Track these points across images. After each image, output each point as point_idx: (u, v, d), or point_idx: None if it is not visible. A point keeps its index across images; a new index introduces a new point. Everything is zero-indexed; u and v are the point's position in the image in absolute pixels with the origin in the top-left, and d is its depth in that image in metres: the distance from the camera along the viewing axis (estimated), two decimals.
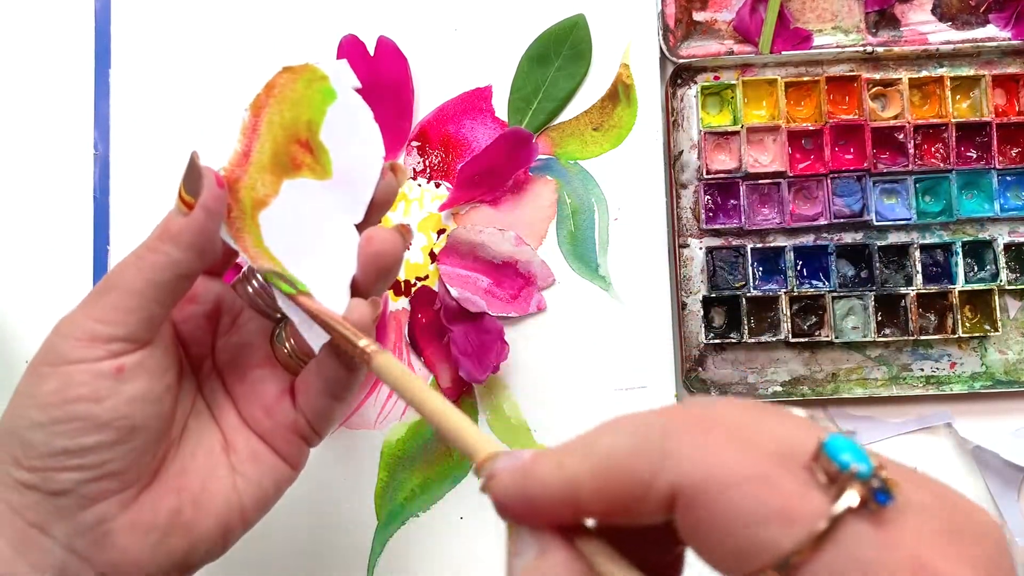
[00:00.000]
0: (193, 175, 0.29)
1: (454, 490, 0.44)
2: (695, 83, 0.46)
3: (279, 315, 0.33)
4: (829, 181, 0.45)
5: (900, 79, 0.46)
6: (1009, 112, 0.46)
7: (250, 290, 0.33)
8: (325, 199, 0.31)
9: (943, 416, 0.45)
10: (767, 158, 0.46)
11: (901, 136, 0.45)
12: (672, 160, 0.46)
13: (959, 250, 0.45)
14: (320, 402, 0.32)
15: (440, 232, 0.46)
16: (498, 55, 0.47)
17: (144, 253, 0.29)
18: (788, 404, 0.44)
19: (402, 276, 0.46)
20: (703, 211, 0.45)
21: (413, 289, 0.46)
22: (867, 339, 0.44)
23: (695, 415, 0.21)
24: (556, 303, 0.45)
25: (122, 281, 0.28)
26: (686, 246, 0.46)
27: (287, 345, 0.33)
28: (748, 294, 0.45)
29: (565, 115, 0.47)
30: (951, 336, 0.44)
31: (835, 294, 0.45)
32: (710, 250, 0.45)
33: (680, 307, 0.45)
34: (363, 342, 0.28)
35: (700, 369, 0.45)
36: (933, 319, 0.45)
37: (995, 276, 0.45)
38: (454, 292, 0.44)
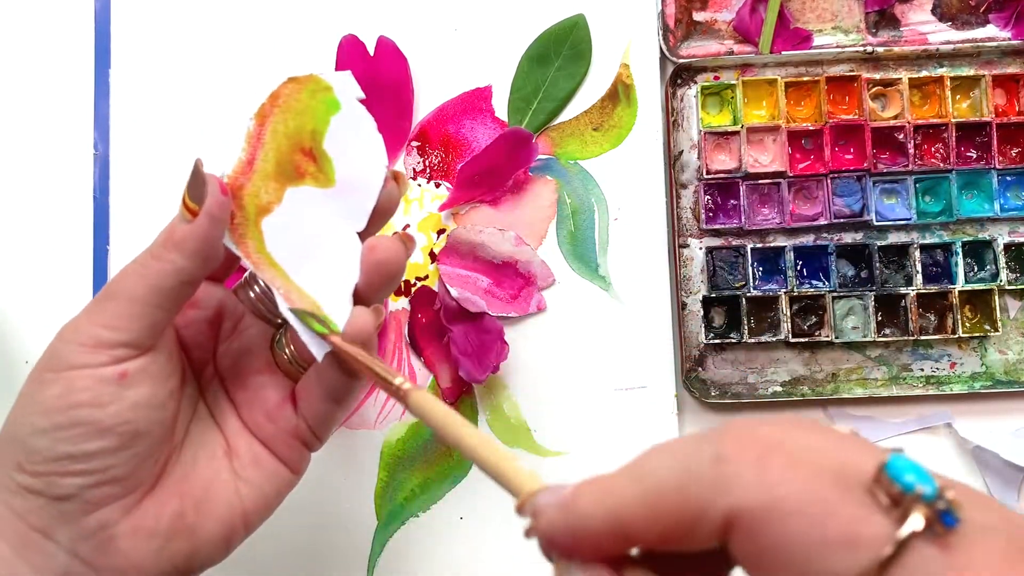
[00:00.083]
0: (197, 182, 0.29)
1: (454, 490, 0.44)
2: (695, 83, 0.46)
3: (280, 320, 0.34)
4: (829, 181, 0.45)
5: (900, 79, 0.46)
6: (1009, 112, 0.46)
7: (252, 295, 0.33)
8: (328, 207, 0.32)
9: (943, 416, 0.45)
10: (767, 158, 0.46)
11: (901, 136, 0.45)
12: (672, 160, 0.46)
13: (959, 250, 0.45)
14: (321, 407, 0.32)
15: (440, 232, 0.46)
16: (498, 55, 0.47)
17: (148, 260, 0.29)
18: (789, 405, 0.45)
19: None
20: (703, 211, 0.45)
21: (413, 289, 0.46)
22: (867, 339, 0.44)
23: (748, 438, 0.21)
24: (556, 303, 0.45)
25: (126, 287, 0.28)
26: (686, 246, 0.46)
27: (287, 351, 0.33)
28: (748, 294, 0.45)
29: (565, 115, 0.47)
30: (951, 336, 0.44)
31: (835, 294, 0.45)
32: (710, 250, 0.45)
33: (680, 307, 0.45)
34: (398, 380, 0.28)
35: (700, 369, 0.45)
36: (933, 319, 0.45)
37: (995, 276, 0.45)
38: (454, 292, 0.44)
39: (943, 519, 0.18)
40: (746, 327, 0.44)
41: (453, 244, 0.45)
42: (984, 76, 0.45)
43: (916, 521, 0.18)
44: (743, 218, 0.45)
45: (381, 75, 0.46)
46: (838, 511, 0.19)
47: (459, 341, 0.44)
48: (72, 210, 0.47)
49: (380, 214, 0.32)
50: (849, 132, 0.45)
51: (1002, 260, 0.45)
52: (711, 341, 0.45)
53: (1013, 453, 0.43)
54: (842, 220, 0.45)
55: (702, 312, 0.45)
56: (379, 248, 0.31)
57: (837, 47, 0.47)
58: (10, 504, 0.28)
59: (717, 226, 0.45)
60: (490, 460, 0.25)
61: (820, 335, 0.45)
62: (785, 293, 0.45)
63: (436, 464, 0.44)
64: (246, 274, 0.34)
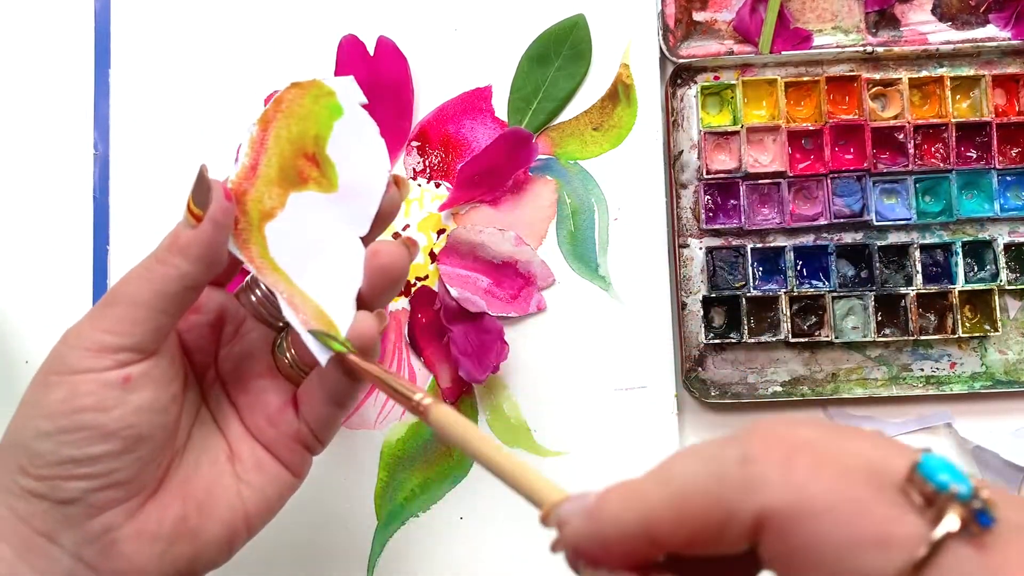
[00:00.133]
0: (202, 188, 0.29)
1: (454, 490, 0.44)
2: (695, 83, 0.46)
3: (281, 324, 0.34)
4: (829, 181, 0.45)
5: (900, 79, 0.46)
6: (1009, 112, 0.46)
7: (253, 299, 0.33)
8: (331, 212, 0.32)
9: (943, 416, 0.45)
10: (767, 158, 0.46)
11: (901, 136, 0.45)
12: (672, 160, 0.46)
13: (959, 250, 0.45)
14: (323, 410, 0.32)
15: (440, 232, 0.46)
16: (498, 55, 0.47)
17: (152, 265, 0.29)
18: (789, 405, 0.45)
19: None
20: (703, 211, 0.45)
21: (413, 289, 0.46)
22: (867, 339, 0.44)
23: (775, 438, 0.21)
24: (556, 303, 0.45)
25: (130, 292, 0.29)
26: (686, 246, 0.46)
27: (288, 355, 0.33)
28: (748, 294, 0.45)
29: (565, 115, 0.47)
30: (951, 336, 0.44)
31: (835, 294, 0.45)
32: (710, 250, 0.45)
33: (680, 307, 0.45)
34: (418, 396, 0.28)
35: (700, 369, 0.45)
36: (933, 319, 0.45)
37: (995, 276, 0.45)
38: (454, 292, 0.44)
39: (979, 519, 0.18)
40: (746, 327, 0.44)
41: (453, 244, 0.45)
42: (984, 76, 0.45)
43: (951, 522, 0.18)
44: (743, 218, 0.45)
45: (381, 75, 0.46)
46: (870, 510, 0.19)
47: (459, 341, 0.44)
48: (72, 210, 0.47)
49: (382, 219, 0.32)
50: (849, 132, 0.45)
51: (1002, 260, 0.45)
52: (711, 341, 0.45)
53: (1013, 453, 0.43)
54: (842, 220, 0.45)
55: (702, 312, 0.45)
56: (382, 253, 0.31)
57: (837, 47, 0.47)
58: (14, 508, 0.28)
59: (717, 226, 0.45)
60: (513, 472, 0.25)
61: (820, 335, 0.45)
62: (785, 293, 0.45)
63: (436, 464, 0.44)
64: (247, 278, 0.34)
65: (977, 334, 0.44)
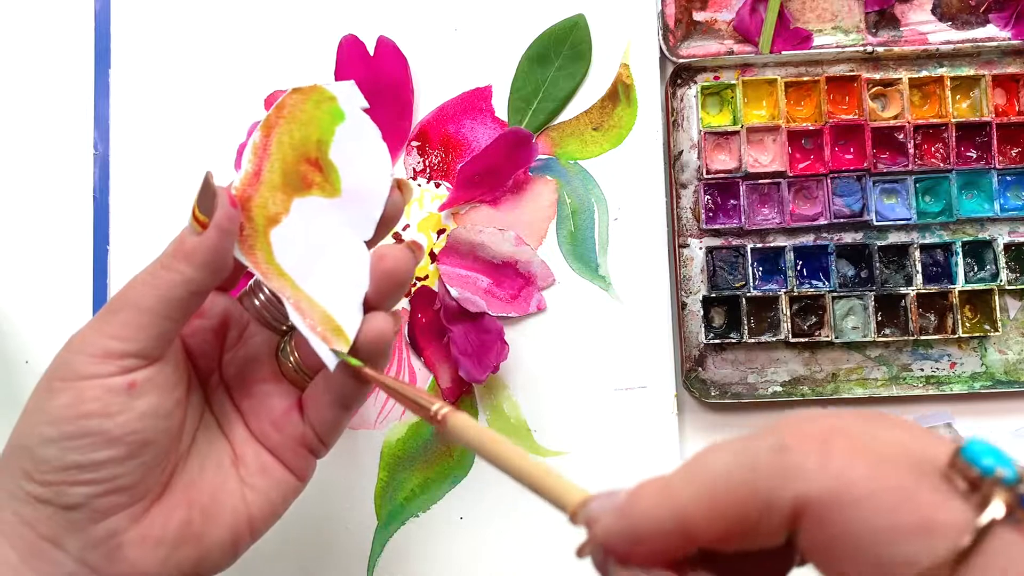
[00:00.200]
0: (207, 195, 0.29)
1: (454, 490, 0.44)
2: (695, 83, 0.46)
3: (285, 328, 0.34)
4: (829, 181, 0.45)
5: (900, 79, 0.46)
6: (1009, 112, 0.46)
7: (256, 303, 0.33)
8: (335, 217, 0.32)
9: (943, 416, 0.45)
10: (767, 158, 0.46)
11: (901, 136, 0.45)
12: (672, 160, 0.46)
13: (959, 250, 0.45)
14: (329, 414, 0.32)
15: (440, 232, 0.46)
16: (498, 55, 0.47)
17: (157, 271, 0.29)
18: (789, 405, 0.45)
19: None
20: (703, 211, 0.45)
21: (413, 289, 0.46)
22: (867, 339, 0.44)
23: (809, 426, 0.20)
24: (556, 303, 0.45)
25: (135, 298, 0.29)
26: (686, 246, 0.46)
27: (292, 359, 0.33)
28: (748, 294, 0.45)
29: (565, 115, 0.47)
30: (951, 336, 0.44)
31: (835, 294, 0.45)
32: (710, 250, 0.45)
33: (680, 307, 0.45)
34: (435, 406, 0.28)
35: (700, 369, 0.45)
36: (933, 319, 0.45)
37: (995, 276, 0.45)
38: (454, 292, 0.44)
39: None
40: (746, 327, 0.44)
41: (453, 244, 0.45)
42: (984, 76, 0.45)
43: (997, 508, 0.18)
44: (743, 218, 0.45)
45: (381, 75, 0.46)
46: (913, 496, 0.18)
47: (459, 341, 0.44)
48: (72, 210, 0.47)
49: (385, 222, 0.32)
50: (849, 132, 0.45)
51: (1002, 260, 0.45)
52: (711, 341, 0.45)
53: (1013, 453, 0.43)
54: (842, 220, 0.45)
55: (702, 312, 0.45)
56: (388, 257, 0.31)
57: (837, 47, 0.47)
58: (19, 513, 0.28)
59: (717, 226, 0.45)
60: (534, 475, 0.24)
61: (820, 335, 0.45)
62: (785, 293, 0.45)
63: (436, 464, 0.44)
64: (251, 282, 0.34)
65: (977, 334, 0.44)
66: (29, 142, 0.47)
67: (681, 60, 0.46)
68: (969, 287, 0.44)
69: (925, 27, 0.47)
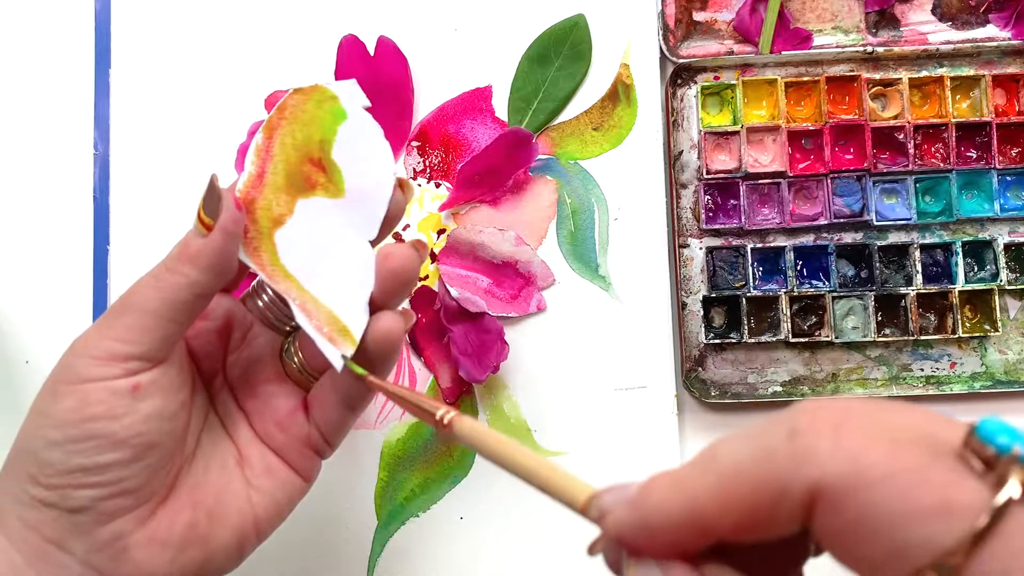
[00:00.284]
0: (212, 197, 0.29)
1: (454, 490, 0.44)
2: (695, 83, 0.46)
3: (289, 328, 0.34)
4: (829, 181, 0.45)
5: (900, 79, 0.46)
6: (1009, 112, 0.46)
7: (260, 304, 0.33)
8: (339, 217, 0.32)
9: None
10: (767, 158, 0.46)
11: (901, 136, 0.45)
12: (672, 160, 0.46)
13: (959, 250, 0.45)
14: (335, 414, 0.32)
15: (440, 232, 0.46)
16: (498, 55, 0.47)
17: (162, 273, 0.29)
18: (789, 405, 0.45)
19: None
20: (703, 211, 0.45)
21: (413, 289, 0.46)
22: (867, 339, 0.44)
23: (821, 411, 0.20)
24: (556, 303, 0.45)
25: (139, 301, 0.29)
26: (686, 246, 0.46)
27: (296, 360, 0.33)
28: (748, 294, 0.45)
29: (565, 115, 0.47)
30: (951, 336, 0.44)
31: (835, 294, 0.45)
32: (710, 250, 0.45)
33: (680, 307, 0.45)
34: (440, 411, 0.28)
35: (700, 369, 0.45)
36: (933, 319, 0.45)
37: (995, 276, 0.45)
38: (454, 292, 0.44)
39: None
40: (746, 327, 0.44)
41: (453, 244, 0.45)
42: (984, 76, 0.45)
43: (1013, 487, 0.17)
44: (743, 218, 0.45)
45: (381, 75, 0.46)
46: (929, 478, 0.18)
47: (459, 341, 0.44)
48: (72, 210, 0.47)
49: (388, 222, 0.32)
50: (849, 132, 0.45)
51: (1002, 260, 0.45)
52: (711, 341, 0.45)
53: None
54: (842, 220, 0.45)
55: (702, 312, 0.45)
56: (393, 256, 0.31)
57: (837, 47, 0.47)
58: (24, 517, 0.28)
59: (717, 226, 0.45)
60: (542, 474, 0.24)
61: (820, 335, 0.45)
62: (785, 293, 0.45)
63: (436, 464, 0.44)
64: (254, 283, 0.34)
65: (977, 334, 0.44)
66: (29, 142, 0.47)
67: (681, 60, 0.46)
68: (969, 287, 0.44)
69: (925, 27, 0.47)
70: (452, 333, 0.44)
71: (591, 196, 0.46)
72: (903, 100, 0.46)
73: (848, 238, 0.45)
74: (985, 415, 0.18)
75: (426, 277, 0.46)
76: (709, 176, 0.45)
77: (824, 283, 0.45)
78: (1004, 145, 0.46)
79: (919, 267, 0.45)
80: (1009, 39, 0.46)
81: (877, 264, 0.45)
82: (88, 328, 0.29)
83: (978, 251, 0.45)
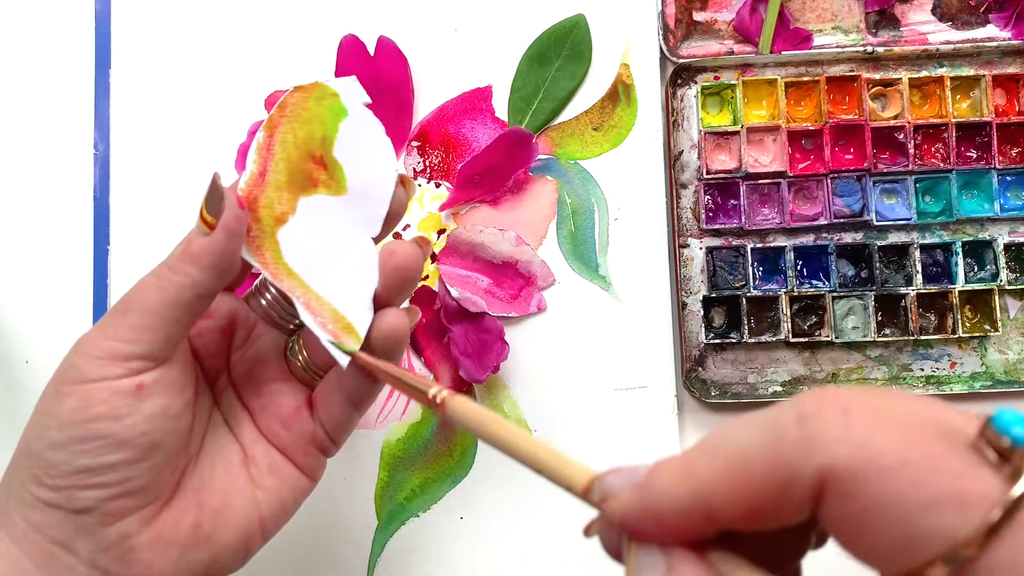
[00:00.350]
0: (215, 196, 0.29)
1: (454, 490, 0.44)
2: (695, 83, 0.46)
3: (292, 327, 0.34)
4: (829, 181, 0.45)
5: (900, 79, 0.46)
6: (1009, 112, 0.46)
7: (263, 303, 0.33)
8: (342, 214, 0.32)
9: None
10: (767, 158, 0.46)
11: (901, 136, 0.45)
12: (672, 160, 0.46)
13: (959, 250, 0.45)
14: (341, 412, 0.32)
15: (440, 232, 0.46)
16: (498, 55, 0.47)
17: (165, 273, 0.29)
18: None
19: None
20: (703, 211, 0.45)
21: (416, 287, 0.46)
22: (867, 339, 0.44)
23: (831, 397, 0.20)
24: (556, 303, 0.45)
25: (142, 301, 0.28)
26: (686, 246, 0.46)
27: (300, 358, 0.33)
28: (748, 294, 0.45)
29: (565, 115, 0.47)
30: (951, 336, 0.44)
31: (835, 294, 0.45)
32: (710, 250, 0.45)
33: (680, 307, 0.45)
34: (433, 390, 0.28)
35: (700, 369, 0.45)
36: (933, 319, 0.45)
37: (995, 276, 0.45)
38: (454, 292, 0.44)
39: None
40: (746, 327, 0.44)
41: (453, 244, 0.45)
42: (984, 76, 0.45)
43: None
44: (743, 218, 0.45)
45: (381, 75, 0.46)
46: (944, 467, 0.17)
47: (459, 341, 0.44)
48: (72, 210, 0.47)
49: (390, 218, 0.32)
50: (849, 132, 0.45)
51: (1002, 260, 0.45)
52: (711, 341, 0.45)
53: None
54: (842, 220, 0.45)
55: (702, 312, 0.45)
56: (397, 253, 0.31)
57: (837, 47, 0.47)
58: (29, 518, 0.28)
59: (717, 226, 0.45)
60: (538, 455, 0.24)
61: (820, 335, 0.45)
62: (785, 293, 0.45)
63: (436, 464, 0.44)
64: (257, 282, 0.34)
65: (977, 334, 0.44)
66: (29, 142, 0.47)
67: (681, 60, 0.46)
68: (969, 287, 0.44)
69: (925, 27, 0.47)
70: (452, 333, 0.44)
71: (591, 196, 0.46)
72: (903, 100, 0.46)
73: (848, 238, 0.45)
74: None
75: (426, 277, 0.46)
76: (709, 176, 0.45)
77: (824, 283, 0.45)
78: (1004, 145, 0.46)
79: (919, 267, 0.45)
80: (1009, 39, 0.46)
81: (877, 264, 0.45)
82: (91, 328, 0.29)
83: (978, 251, 0.45)
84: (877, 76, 0.46)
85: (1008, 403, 0.45)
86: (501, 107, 0.47)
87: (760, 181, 0.46)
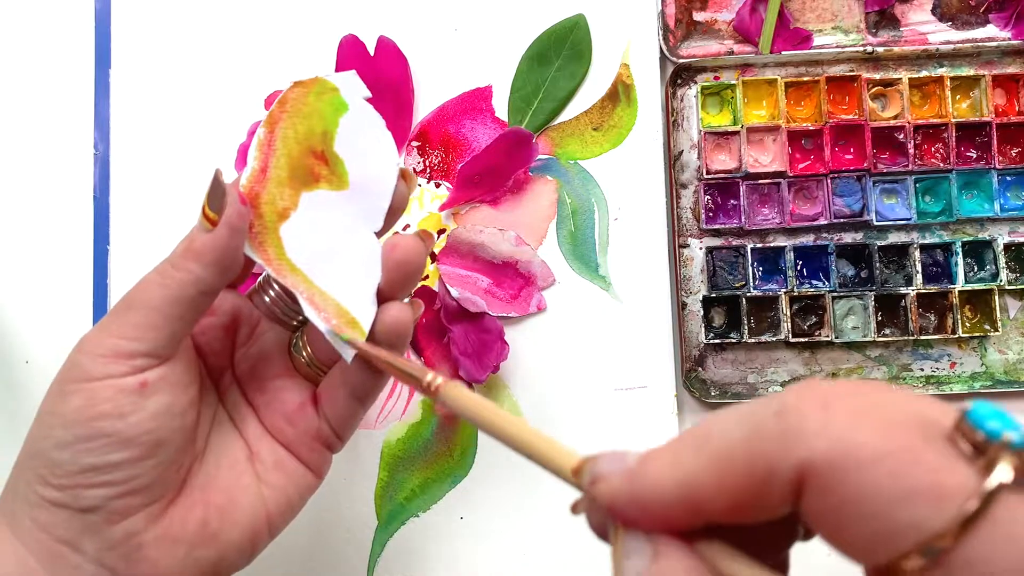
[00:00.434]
0: (217, 192, 0.29)
1: (454, 490, 0.44)
2: (695, 83, 0.46)
3: (296, 323, 0.34)
4: (829, 181, 0.45)
5: (900, 79, 0.46)
6: (1009, 112, 0.46)
7: (267, 300, 0.33)
8: (344, 209, 0.32)
9: None
10: (767, 158, 0.46)
11: (901, 136, 0.45)
12: (672, 160, 0.46)
13: (959, 250, 0.45)
14: (345, 407, 0.32)
15: (440, 232, 0.46)
16: (498, 55, 0.47)
17: (167, 270, 0.29)
18: None
19: None
20: (703, 211, 0.45)
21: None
22: (867, 339, 0.44)
23: (810, 390, 0.20)
24: (556, 303, 0.45)
25: (145, 298, 0.28)
26: (686, 246, 0.46)
27: (305, 354, 0.33)
28: (748, 294, 0.45)
29: (565, 115, 0.47)
30: (951, 336, 0.44)
31: (835, 294, 0.45)
32: (710, 250, 0.45)
33: (680, 307, 0.45)
34: (428, 377, 0.28)
35: (700, 369, 0.45)
36: (933, 319, 0.45)
37: (995, 276, 0.45)
38: (454, 292, 0.44)
39: None
40: (746, 327, 0.44)
41: (453, 244, 0.45)
42: (984, 76, 0.45)
43: (1004, 472, 0.17)
44: (743, 218, 0.45)
45: (381, 75, 0.46)
46: (920, 460, 0.18)
47: (459, 341, 0.44)
48: (72, 210, 0.47)
49: (392, 212, 0.32)
50: (849, 132, 0.45)
51: (1002, 260, 0.45)
52: (711, 341, 0.45)
53: None
54: (842, 220, 0.45)
55: (702, 312, 0.45)
56: (400, 247, 0.31)
57: (837, 47, 0.47)
58: (35, 518, 0.28)
59: (717, 226, 0.45)
60: (530, 442, 0.24)
61: (820, 335, 0.45)
62: (785, 293, 0.45)
63: (436, 464, 0.44)
64: (260, 279, 0.34)
65: (977, 334, 0.44)
66: (29, 142, 0.47)
67: (681, 60, 0.46)
68: (969, 287, 0.44)
69: (925, 27, 0.47)
70: (452, 333, 0.44)
71: (591, 196, 0.46)
72: (903, 100, 0.46)
73: (848, 238, 0.45)
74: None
75: (426, 277, 0.46)
76: (709, 176, 0.45)
77: (824, 283, 0.45)
78: (1004, 145, 0.46)
79: (919, 267, 0.45)
80: (1009, 39, 0.46)
81: (877, 264, 0.45)
82: (94, 326, 0.29)
83: (978, 251, 0.45)
84: (877, 76, 0.46)
85: (1008, 403, 0.45)
86: (501, 107, 0.47)
87: (760, 181, 0.46)
